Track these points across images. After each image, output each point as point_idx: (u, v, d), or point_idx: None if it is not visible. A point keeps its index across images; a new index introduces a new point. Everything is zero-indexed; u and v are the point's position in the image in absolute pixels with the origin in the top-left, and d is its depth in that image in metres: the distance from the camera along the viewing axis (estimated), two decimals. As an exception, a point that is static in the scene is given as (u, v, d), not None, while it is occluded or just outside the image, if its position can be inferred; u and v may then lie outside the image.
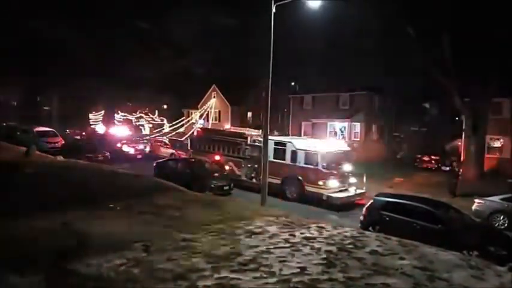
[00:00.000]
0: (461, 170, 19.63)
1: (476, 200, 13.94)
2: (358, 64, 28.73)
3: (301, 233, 7.18)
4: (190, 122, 42.27)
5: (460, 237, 9.39)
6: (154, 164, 19.05)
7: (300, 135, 31.26)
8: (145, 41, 34.63)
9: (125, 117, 46.37)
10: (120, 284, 4.90)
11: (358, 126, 30.87)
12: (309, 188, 15.46)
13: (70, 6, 30.47)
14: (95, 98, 42.46)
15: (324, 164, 15.26)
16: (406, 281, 5.10)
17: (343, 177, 15.69)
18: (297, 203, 15.24)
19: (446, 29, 19.60)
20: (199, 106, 43.40)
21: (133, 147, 26.84)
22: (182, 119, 42.87)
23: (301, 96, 35.04)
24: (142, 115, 47.98)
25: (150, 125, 46.00)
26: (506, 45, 18.41)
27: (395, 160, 28.48)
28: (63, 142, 24.89)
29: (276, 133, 26.46)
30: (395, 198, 11.61)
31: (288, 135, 29.57)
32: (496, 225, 12.95)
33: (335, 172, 15.46)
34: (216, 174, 17.16)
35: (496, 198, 13.63)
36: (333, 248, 6.35)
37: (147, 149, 27.04)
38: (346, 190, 15.63)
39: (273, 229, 7.41)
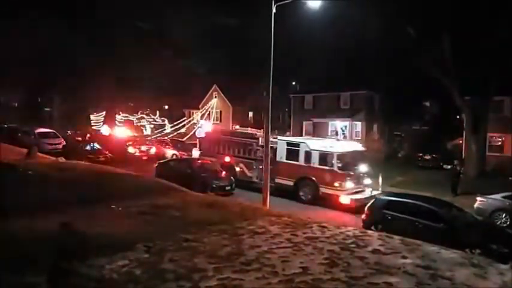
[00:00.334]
0: (462, 169, 19.60)
1: (478, 198, 13.93)
2: (359, 63, 28.67)
3: (304, 233, 7.17)
4: (192, 122, 42.28)
5: (463, 235, 9.38)
6: (155, 165, 19.07)
7: (301, 134, 31.25)
8: (146, 41, 34.62)
9: (126, 118, 46.37)
10: (122, 285, 4.91)
11: (359, 126, 30.86)
12: (324, 190, 15.08)
13: (71, 6, 30.47)
14: (96, 99, 42.48)
15: (340, 165, 14.89)
16: (408, 280, 5.09)
17: (358, 178, 15.30)
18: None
19: (446, 29, 19.60)
20: (200, 106, 43.43)
21: (139, 148, 26.47)
22: (183, 119, 42.89)
23: (302, 96, 35.04)
24: (144, 116, 47.99)
25: (152, 126, 45.99)
26: (506, 44, 18.41)
27: (396, 159, 28.44)
28: (64, 143, 24.91)
29: (276, 132, 26.44)
30: (398, 197, 11.61)
31: (290, 135, 29.58)
32: (498, 223, 12.93)
33: (351, 173, 15.07)
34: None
35: (497, 196, 13.62)
36: (336, 248, 6.34)
37: (153, 151, 26.49)
38: (362, 191, 15.19)
39: (275, 229, 7.40)
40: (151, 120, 47.42)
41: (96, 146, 24.17)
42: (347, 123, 30.84)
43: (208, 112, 41.93)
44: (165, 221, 7.94)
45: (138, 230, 7.15)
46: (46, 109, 45.18)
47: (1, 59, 29.21)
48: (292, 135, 29.88)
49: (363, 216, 11.71)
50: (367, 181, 15.55)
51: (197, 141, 22.33)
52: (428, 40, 20.18)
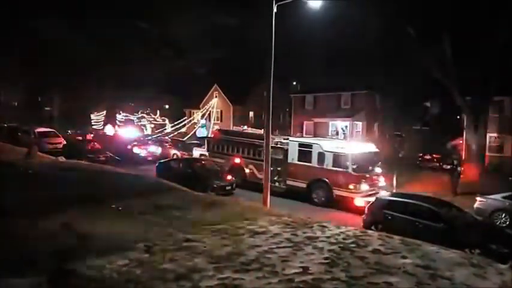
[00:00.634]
0: (462, 169, 19.61)
1: (478, 199, 13.95)
2: (359, 63, 28.68)
3: (304, 233, 7.18)
4: (192, 122, 42.31)
5: (462, 235, 9.39)
6: (156, 164, 19.07)
7: (301, 134, 31.25)
8: (147, 41, 34.62)
9: (126, 118, 46.38)
10: (122, 285, 4.91)
11: (359, 126, 30.87)
12: (338, 192, 14.74)
13: (71, 6, 30.44)
14: (97, 98, 42.47)
15: (354, 167, 14.54)
16: (408, 280, 5.11)
17: (373, 180, 14.98)
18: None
19: (446, 29, 19.61)
20: (201, 106, 43.47)
21: (144, 149, 25.81)
22: (184, 119, 42.92)
23: (303, 96, 35.06)
24: (144, 115, 48.02)
25: (152, 125, 46.01)
26: (506, 44, 18.42)
27: (397, 159, 28.43)
28: (65, 143, 24.92)
29: (277, 132, 26.41)
30: (398, 197, 11.63)
31: (291, 135, 29.55)
32: (498, 223, 12.95)
33: (367, 175, 14.78)
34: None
35: (497, 197, 13.64)
36: (336, 247, 6.35)
37: (159, 151, 25.73)
38: (377, 194, 14.73)
39: (275, 229, 7.41)
40: (152, 119, 47.45)
41: (97, 145, 24.15)
42: (348, 123, 30.85)
43: (208, 112, 41.96)
44: (166, 220, 7.95)
45: (139, 229, 7.16)
46: (46, 108, 45.21)
47: (1, 58, 29.23)
48: (293, 135, 29.83)
49: (363, 216, 11.72)
50: (382, 183, 15.22)
51: (205, 142, 21.75)
52: (428, 40, 20.18)
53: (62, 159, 17.94)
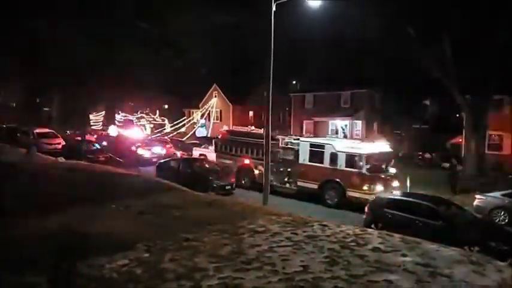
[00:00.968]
0: (461, 167, 19.61)
1: (477, 196, 13.96)
2: (359, 62, 28.67)
3: (304, 231, 7.20)
4: (192, 121, 42.29)
5: (462, 233, 9.41)
6: (155, 164, 19.07)
7: (301, 134, 31.24)
8: (146, 41, 34.54)
9: (125, 118, 46.34)
10: (122, 285, 4.93)
11: (359, 125, 30.88)
12: (351, 193, 14.28)
13: (70, 5, 30.33)
14: (95, 99, 42.42)
15: (368, 167, 14.17)
16: (408, 278, 5.12)
17: (387, 181, 14.58)
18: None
19: (446, 28, 19.61)
20: (200, 106, 43.45)
21: (149, 150, 25.14)
22: (183, 118, 42.90)
23: (303, 95, 35.06)
24: (143, 115, 47.98)
25: (151, 125, 45.97)
26: (506, 44, 18.43)
27: (397, 158, 28.43)
28: (64, 143, 24.91)
29: (277, 132, 26.38)
30: (397, 196, 11.65)
31: (291, 135, 29.53)
32: (497, 221, 12.95)
33: (382, 176, 14.45)
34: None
35: (496, 194, 13.65)
36: (336, 246, 6.37)
37: (163, 152, 25.06)
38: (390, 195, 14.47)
39: (275, 228, 7.43)
40: (151, 119, 47.40)
41: (97, 146, 24.08)
42: (347, 122, 30.86)
43: (208, 111, 41.94)
44: (166, 220, 7.96)
45: (139, 229, 7.18)
46: (45, 109, 45.15)
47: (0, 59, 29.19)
48: (304, 135, 29.79)
49: (364, 215, 11.73)
50: (395, 183, 14.80)
51: (212, 142, 21.31)
52: (428, 39, 20.19)
53: (61, 159, 17.94)
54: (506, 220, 12.87)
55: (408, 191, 14.60)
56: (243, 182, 17.62)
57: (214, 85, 42.33)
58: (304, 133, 31.88)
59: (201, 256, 5.81)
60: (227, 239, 6.68)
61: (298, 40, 31.69)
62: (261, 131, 19.09)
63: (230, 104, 41.43)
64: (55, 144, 24.25)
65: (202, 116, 42.27)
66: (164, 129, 42.20)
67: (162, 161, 19.84)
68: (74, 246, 5.95)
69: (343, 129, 31.07)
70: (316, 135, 26.61)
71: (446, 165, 20.94)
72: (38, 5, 28.50)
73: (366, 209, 11.70)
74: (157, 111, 49.18)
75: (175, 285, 4.88)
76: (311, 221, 8.18)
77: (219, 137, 20.79)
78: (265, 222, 7.88)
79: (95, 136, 31.91)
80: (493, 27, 18.49)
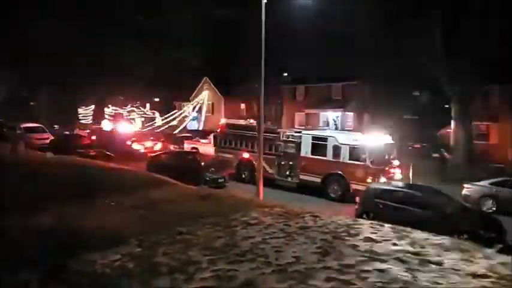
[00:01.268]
0: (450, 156, 19.91)
1: (466, 185, 14.23)
2: (350, 54, 28.72)
3: (296, 223, 7.25)
4: (183, 115, 42.05)
5: (451, 221, 9.59)
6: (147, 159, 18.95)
7: (293, 126, 31.32)
8: (136, 33, 34.05)
9: (116, 111, 45.85)
10: (115, 280, 4.92)
11: (350, 116, 31.06)
12: (355, 186, 14.21)
13: None
14: (85, 92, 41.84)
15: (372, 159, 14.19)
16: (399, 266, 5.21)
17: (391, 173, 14.59)
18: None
19: (436, 19, 19.74)
20: (191, 98, 43.19)
21: (144, 144, 24.73)
22: (174, 112, 42.63)
23: (294, 87, 35.09)
24: (134, 109, 47.51)
25: (142, 119, 45.59)
26: (494, 34, 18.63)
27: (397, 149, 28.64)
28: (52, 138, 24.57)
29: (269, 124, 26.39)
30: (388, 186, 11.80)
31: (282, 127, 29.58)
32: (485, 209, 13.23)
33: (386, 168, 14.44)
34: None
35: (484, 183, 13.94)
36: (328, 237, 6.43)
37: (158, 146, 24.71)
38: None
39: (268, 220, 7.47)
40: (142, 113, 46.99)
41: (87, 140, 23.81)
42: (339, 113, 31.01)
43: (199, 104, 41.72)
44: (158, 214, 7.95)
45: (131, 224, 7.15)
46: (32, 103, 44.44)
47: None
48: (285, 126, 29.86)
49: (355, 205, 11.86)
50: (398, 175, 14.83)
51: (211, 136, 20.88)
52: (419, 30, 20.31)
53: (49, 154, 17.71)
54: (494, 208, 13.17)
55: (411, 183, 14.47)
56: (243, 176, 17.40)
57: (205, 78, 42.08)
58: (296, 125, 31.97)
59: (194, 249, 5.82)
60: (220, 231, 6.69)
61: (289, 32, 31.57)
62: (253, 122, 18.96)
63: (222, 96, 41.26)
64: (43, 139, 23.94)
65: (193, 108, 42.03)
66: (155, 122, 41.90)
67: (153, 154, 19.72)
68: (65, 242, 5.92)
69: (335, 121, 31.23)
70: (307, 127, 26.70)
71: (436, 155, 21.27)
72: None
73: (358, 199, 11.83)
74: (148, 105, 48.74)
75: (168, 279, 4.88)
76: (303, 212, 8.24)
77: (218, 130, 20.39)
78: (258, 214, 7.91)
79: (88, 131, 31.44)
80: (482, 16, 18.65)
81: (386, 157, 15.01)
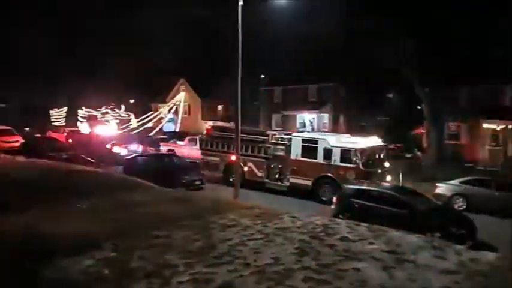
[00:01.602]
0: (422, 156, 20.53)
1: (438, 184, 14.69)
2: (326, 57, 29.18)
3: (275, 224, 7.26)
4: (159, 116, 41.41)
5: (424, 220, 9.85)
6: (123, 161, 18.51)
7: (270, 127, 31.45)
8: (110, 34, 33.34)
9: (89, 113, 44.58)
10: (88, 286, 4.76)
11: (326, 118, 31.51)
12: None
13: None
14: (56, 94, 40.55)
15: (364, 162, 14.15)
16: (375, 265, 5.30)
17: (382, 176, 14.62)
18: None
19: (407, 32, 20.34)
20: (167, 100, 42.61)
21: (126, 147, 23.81)
22: (150, 113, 41.92)
23: (271, 89, 35.26)
24: (108, 110, 46.33)
25: (117, 121, 44.52)
26: (465, 36, 19.38)
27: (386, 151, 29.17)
28: (23, 141, 23.66)
29: (246, 125, 26.30)
30: (363, 186, 12.01)
31: (261, 128, 29.65)
32: (456, 207, 13.69)
33: (378, 170, 14.49)
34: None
35: (455, 182, 14.43)
36: (306, 237, 6.47)
37: (140, 149, 23.93)
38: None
39: (246, 221, 7.43)
40: (117, 115, 45.89)
41: (59, 143, 23.04)
42: (315, 115, 31.39)
43: (176, 106, 41.22)
44: (134, 218, 7.76)
45: (105, 228, 6.94)
46: (2, 105, 42.64)
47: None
48: (265, 128, 29.91)
49: (332, 205, 12.01)
50: (389, 177, 14.86)
51: (197, 139, 20.37)
52: (391, 34, 20.87)
53: (19, 158, 17.01)
54: (465, 206, 13.63)
55: (400, 185, 14.72)
56: (230, 179, 16.83)
57: (182, 79, 41.64)
58: (273, 127, 32.13)
59: (171, 253, 5.72)
60: (198, 234, 6.61)
61: (267, 34, 31.77)
62: (249, 127, 18.69)
63: (199, 97, 40.93)
64: (13, 142, 23.03)
65: (169, 110, 41.48)
66: (130, 124, 41.05)
67: (129, 157, 19.30)
68: (36, 248, 5.68)
69: (311, 122, 31.59)
70: (284, 129, 26.88)
71: (409, 155, 21.87)
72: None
73: (334, 199, 11.98)
74: (123, 106, 47.68)
75: (144, 283, 4.77)
76: (281, 213, 8.26)
77: (204, 133, 20.00)
78: (236, 216, 7.86)
79: (65, 134, 30.30)
80: (451, 17, 19.34)
81: (378, 159, 15.08)
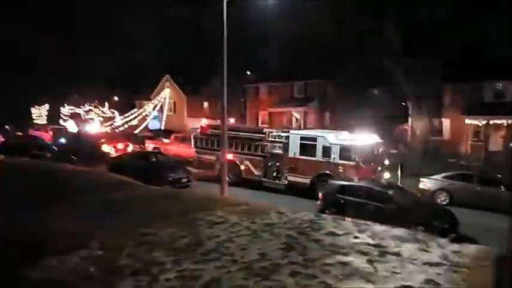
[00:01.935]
0: (407, 151, 20.87)
1: (421, 179, 14.99)
2: (312, 53, 29.30)
3: (262, 220, 7.31)
4: (144, 114, 40.93)
5: (408, 214, 10.05)
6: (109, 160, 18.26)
7: (257, 124, 31.47)
8: (94, 31, 32.71)
9: (72, 111, 43.74)
10: (75, 285, 4.72)
11: (312, 114, 31.70)
12: None
13: None
14: (38, 91, 39.60)
15: (363, 159, 13.97)
16: (360, 258, 5.40)
17: (382, 172, 14.48)
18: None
19: (393, 26, 20.60)
20: (152, 97, 42.11)
21: (115, 146, 23.22)
22: (134, 111, 41.39)
23: (257, 86, 35.23)
24: (92, 108, 45.54)
25: (101, 119, 43.81)
26: (448, 33, 19.76)
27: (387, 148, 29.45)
28: (3, 140, 23.09)
29: (232, 121, 26.29)
30: (349, 182, 12.18)
31: (247, 125, 29.66)
32: (439, 201, 14.01)
33: (379, 168, 14.35)
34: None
35: (438, 177, 14.74)
36: (293, 232, 6.54)
37: (130, 147, 23.33)
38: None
39: (234, 218, 7.47)
40: (100, 112, 45.14)
41: (43, 141, 22.53)
42: (301, 112, 31.55)
43: (160, 103, 40.78)
44: (121, 216, 7.70)
45: (92, 227, 6.88)
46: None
47: None
48: (250, 125, 29.94)
49: (318, 201, 12.13)
50: (387, 175, 14.70)
51: (191, 138, 20.00)
52: (378, 31, 21.14)
53: (1, 157, 16.62)
54: (447, 200, 13.95)
55: (399, 184, 14.49)
56: (227, 178, 16.98)
57: (167, 76, 41.19)
58: (260, 124, 32.16)
59: (159, 250, 5.71)
60: (185, 231, 6.61)
61: (252, 31, 31.72)
62: (246, 125, 18.24)
63: (184, 94, 40.59)
64: None
65: (154, 107, 41.03)
66: (114, 122, 40.46)
67: (115, 155, 19.06)
68: (23, 248, 5.59)
69: (297, 119, 31.74)
70: (270, 125, 26.92)
71: (394, 151, 22.19)
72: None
73: (320, 195, 12.11)
74: (107, 104, 46.94)
75: (131, 281, 4.76)
76: (269, 209, 8.32)
77: (199, 131, 19.64)
78: (223, 212, 7.88)
79: (51, 132, 29.56)
80: (436, 14, 19.68)
81: (378, 156, 15.08)
